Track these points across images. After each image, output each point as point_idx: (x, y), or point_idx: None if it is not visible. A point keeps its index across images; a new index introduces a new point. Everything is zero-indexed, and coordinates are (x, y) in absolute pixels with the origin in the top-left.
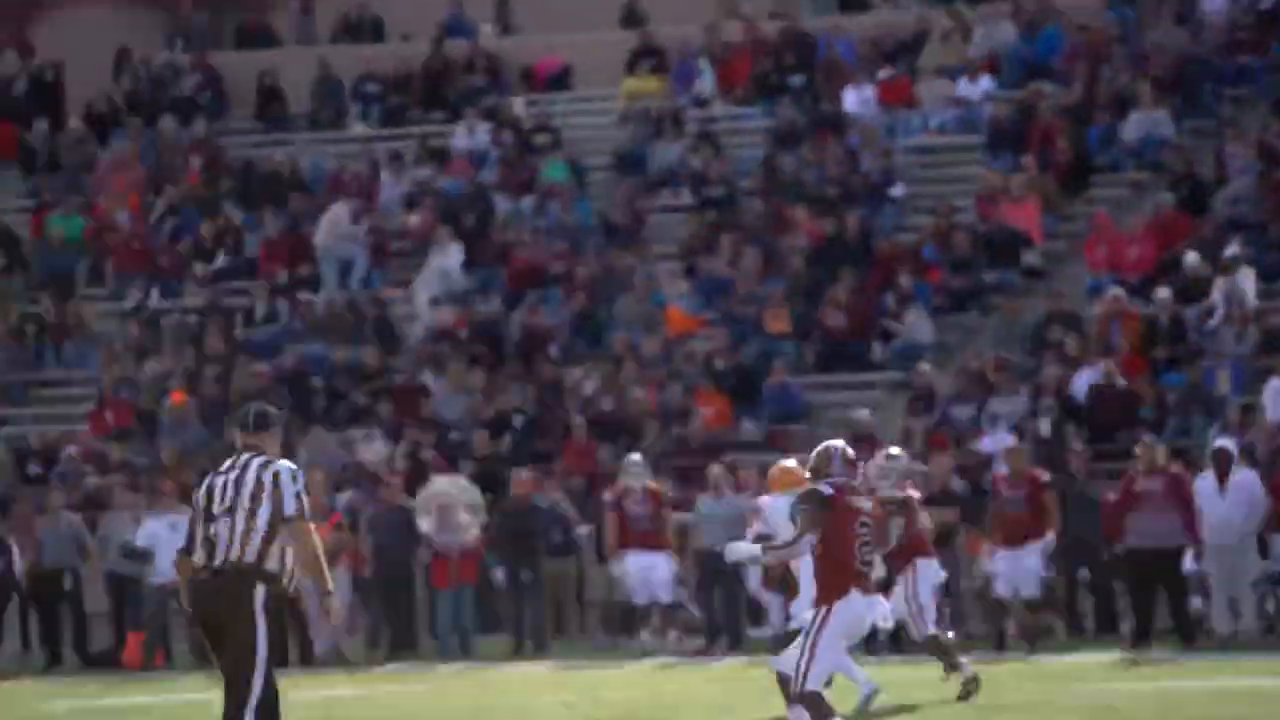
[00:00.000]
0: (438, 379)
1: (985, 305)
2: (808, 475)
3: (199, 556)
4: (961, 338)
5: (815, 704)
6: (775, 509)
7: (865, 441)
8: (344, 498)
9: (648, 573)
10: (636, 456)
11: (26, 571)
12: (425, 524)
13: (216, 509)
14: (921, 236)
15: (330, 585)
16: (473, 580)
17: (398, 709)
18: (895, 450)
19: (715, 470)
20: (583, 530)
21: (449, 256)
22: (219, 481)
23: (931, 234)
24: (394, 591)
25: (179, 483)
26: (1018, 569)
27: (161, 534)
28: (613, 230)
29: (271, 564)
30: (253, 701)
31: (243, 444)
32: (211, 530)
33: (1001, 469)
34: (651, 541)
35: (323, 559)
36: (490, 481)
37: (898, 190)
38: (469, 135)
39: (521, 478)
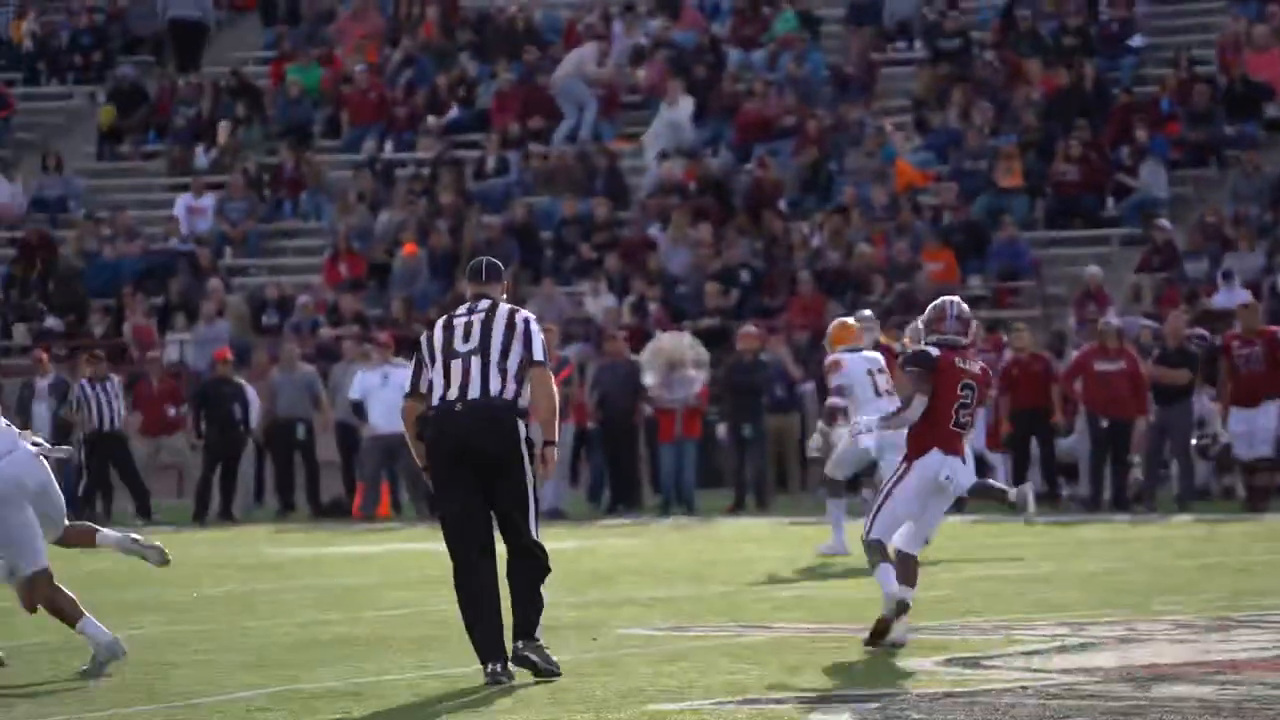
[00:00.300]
0: (665, 233)
1: (1224, 159)
2: (920, 327)
3: (446, 391)
4: (1198, 192)
5: (873, 549)
6: (853, 363)
7: (1096, 297)
8: (570, 351)
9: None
10: (867, 312)
11: (261, 420)
12: (650, 378)
13: (460, 346)
14: (1160, 88)
15: (555, 436)
16: (696, 435)
17: (619, 562)
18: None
19: None
20: (807, 386)
21: (679, 109)
22: (459, 322)
23: (1171, 85)
24: (617, 445)
25: (401, 335)
26: (1252, 427)
27: (374, 386)
28: (844, 82)
29: (523, 404)
30: (533, 525)
31: (473, 294)
32: (455, 366)
33: (1236, 326)
34: None
35: (557, 409)
36: (716, 336)
37: (1137, 40)
38: None
39: (747, 332)
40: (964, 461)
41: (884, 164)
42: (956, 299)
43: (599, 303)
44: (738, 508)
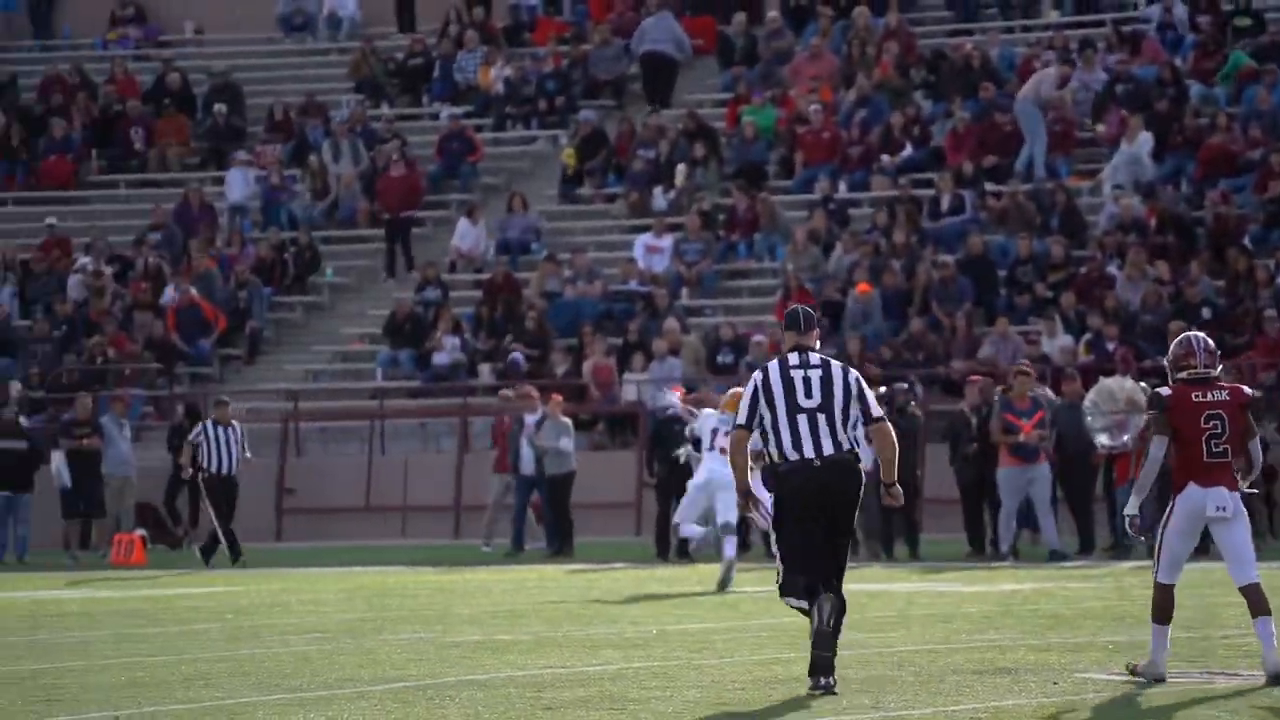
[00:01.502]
0: (1123, 270)
1: None
2: (1166, 364)
3: (800, 446)
4: None
5: (1159, 593)
6: (704, 418)
7: None
8: (1040, 393)
9: None
10: None
11: None
12: (1092, 421)
13: (804, 401)
14: None
15: (895, 477)
16: None
17: (1078, 605)
18: None
19: None
20: (1273, 425)
21: (1139, 144)
22: (797, 375)
23: None
24: (1075, 485)
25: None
26: None
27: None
28: None
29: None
30: (844, 573)
31: (796, 344)
32: (802, 422)
33: None
34: None
35: (897, 454)
36: None
37: None
38: (1164, 18)
39: None
40: (1233, 489)
41: None
42: (1201, 334)
43: (1055, 342)
44: (1202, 551)
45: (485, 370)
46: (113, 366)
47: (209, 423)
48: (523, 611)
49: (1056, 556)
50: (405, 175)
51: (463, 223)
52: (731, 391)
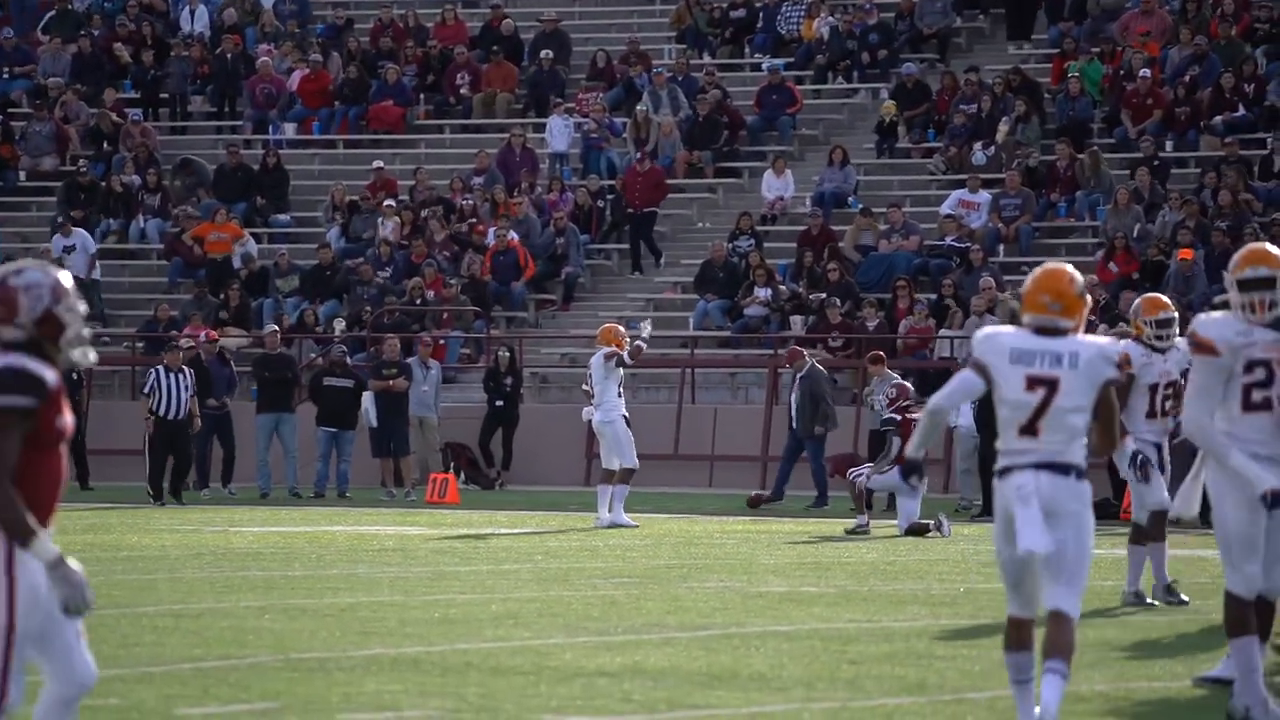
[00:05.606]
0: None
1: None
2: None
3: None
4: None
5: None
6: (595, 362)
7: None
8: None
9: None
10: None
11: None
12: None
13: None
14: None
15: None
16: None
17: None
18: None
19: None
20: None
21: None
22: None
23: None
24: None
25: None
26: None
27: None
28: None
29: None
30: None
31: None
32: None
33: None
34: None
35: None
36: None
37: None
38: None
39: None
40: None
41: None
42: None
43: None
44: None
45: (796, 322)
46: (431, 308)
47: (160, 368)
48: (828, 564)
49: None
50: (650, 170)
51: (768, 175)
52: (606, 326)
